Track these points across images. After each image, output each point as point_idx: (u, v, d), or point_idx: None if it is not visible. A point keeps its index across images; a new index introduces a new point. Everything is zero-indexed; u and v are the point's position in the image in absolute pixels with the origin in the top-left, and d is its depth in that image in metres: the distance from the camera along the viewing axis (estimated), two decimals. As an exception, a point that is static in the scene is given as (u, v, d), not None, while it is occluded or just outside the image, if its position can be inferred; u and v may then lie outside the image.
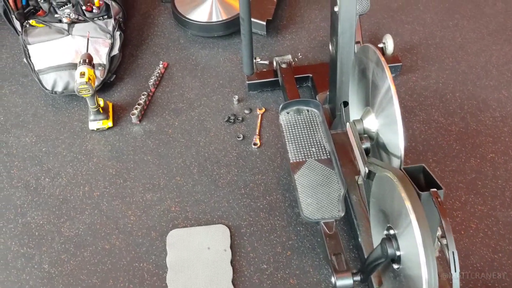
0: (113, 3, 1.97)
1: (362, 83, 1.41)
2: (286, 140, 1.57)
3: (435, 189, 1.03)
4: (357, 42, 1.88)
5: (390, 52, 1.85)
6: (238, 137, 1.77)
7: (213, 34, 2.08)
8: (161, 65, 1.99)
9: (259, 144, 1.75)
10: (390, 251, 1.11)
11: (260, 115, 1.84)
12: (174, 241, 1.49)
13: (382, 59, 1.26)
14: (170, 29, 2.17)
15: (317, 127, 1.61)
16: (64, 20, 1.94)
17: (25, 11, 1.99)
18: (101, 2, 2.02)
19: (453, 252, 0.97)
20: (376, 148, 1.34)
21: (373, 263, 1.19)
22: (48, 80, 1.85)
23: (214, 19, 2.07)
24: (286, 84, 1.78)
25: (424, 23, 2.17)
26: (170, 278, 1.42)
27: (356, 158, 1.42)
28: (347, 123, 1.37)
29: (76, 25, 1.95)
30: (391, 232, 1.12)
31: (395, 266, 1.12)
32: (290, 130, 1.60)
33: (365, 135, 1.33)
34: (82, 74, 1.64)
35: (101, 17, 2.03)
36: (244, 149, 1.74)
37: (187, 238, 1.49)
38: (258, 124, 1.81)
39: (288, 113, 1.65)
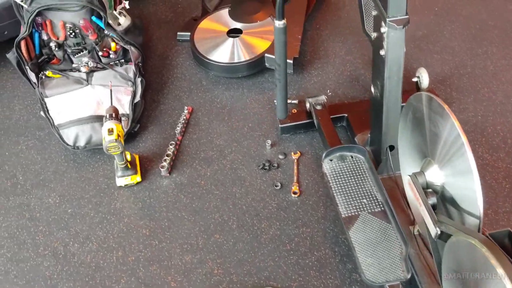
0: (132, 48, 1.88)
1: (416, 131, 1.33)
2: (334, 192, 1.47)
3: (534, 261, 0.93)
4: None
5: (426, 86, 1.77)
6: (276, 186, 1.67)
7: (237, 75, 1.99)
8: (186, 111, 1.89)
9: (298, 192, 1.65)
10: (479, 325, 1.00)
11: (295, 160, 1.74)
12: (222, 310, 1.38)
13: (446, 107, 1.18)
14: (190, 70, 2.08)
15: (365, 175, 1.51)
16: (83, 69, 1.83)
17: (39, 60, 1.89)
18: (118, 47, 1.93)
19: None
20: (441, 202, 1.25)
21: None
22: (69, 135, 1.74)
23: (237, 59, 1.98)
24: (324, 128, 1.68)
25: (453, 51, 2.10)
26: None
27: (410, 207, 1.33)
28: (407, 176, 1.28)
29: (95, 73, 1.85)
30: (478, 303, 1.02)
31: None
32: (337, 180, 1.50)
33: (429, 190, 1.24)
34: (110, 131, 1.54)
35: (117, 62, 1.94)
36: (283, 198, 1.64)
37: (236, 306, 1.38)
38: (295, 170, 1.71)
39: (331, 160, 1.55)
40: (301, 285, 1.44)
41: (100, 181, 1.71)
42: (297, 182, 1.68)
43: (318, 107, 1.74)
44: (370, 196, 1.46)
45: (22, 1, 1.72)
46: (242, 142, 1.81)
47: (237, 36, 2.06)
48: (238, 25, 2.09)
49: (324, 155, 1.54)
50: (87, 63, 1.84)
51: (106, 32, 1.85)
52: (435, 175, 1.24)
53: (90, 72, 1.85)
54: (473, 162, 1.09)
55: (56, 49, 1.88)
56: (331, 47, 2.14)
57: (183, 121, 1.86)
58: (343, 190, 1.47)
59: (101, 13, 1.78)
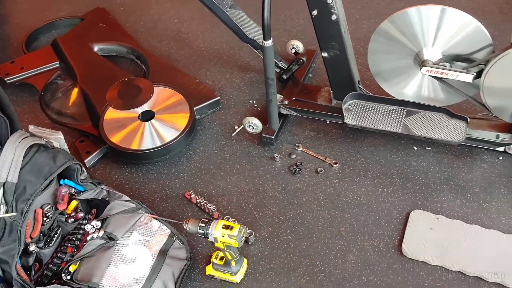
0: (103, 185, 1.63)
1: (393, 48, 1.76)
2: (375, 125, 1.80)
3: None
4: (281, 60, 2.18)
5: (303, 49, 2.23)
6: (320, 172, 1.85)
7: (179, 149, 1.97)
8: (192, 195, 1.80)
9: (335, 161, 1.88)
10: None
11: (304, 150, 1.93)
12: None
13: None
14: (138, 174, 1.90)
15: (373, 107, 1.88)
16: (98, 234, 1.49)
17: (38, 278, 1.44)
18: (76, 202, 1.61)
19: None
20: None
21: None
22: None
23: (170, 136, 1.94)
24: (317, 108, 1.93)
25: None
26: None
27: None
28: (424, 68, 1.73)
29: (108, 227, 1.51)
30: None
31: None
32: (364, 119, 1.83)
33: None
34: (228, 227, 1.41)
35: (87, 216, 1.64)
36: (334, 174, 1.84)
37: None
38: (314, 154, 1.91)
39: (346, 116, 1.85)
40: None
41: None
42: (325, 158, 1.90)
43: (286, 102, 1.97)
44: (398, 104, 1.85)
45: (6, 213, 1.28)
46: (260, 177, 1.87)
47: (150, 119, 1.98)
48: (143, 108, 2.01)
49: (343, 118, 1.83)
50: (94, 226, 1.51)
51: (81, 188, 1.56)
52: (433, 54, 1.73)
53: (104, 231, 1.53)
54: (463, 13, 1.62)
55: (37, 249, 1.47)
56: (209, 75, 2.28)
57: (201, 206, 1.78)
58: (374, 120, 1.82)
59: (79, 166, 1.49)
